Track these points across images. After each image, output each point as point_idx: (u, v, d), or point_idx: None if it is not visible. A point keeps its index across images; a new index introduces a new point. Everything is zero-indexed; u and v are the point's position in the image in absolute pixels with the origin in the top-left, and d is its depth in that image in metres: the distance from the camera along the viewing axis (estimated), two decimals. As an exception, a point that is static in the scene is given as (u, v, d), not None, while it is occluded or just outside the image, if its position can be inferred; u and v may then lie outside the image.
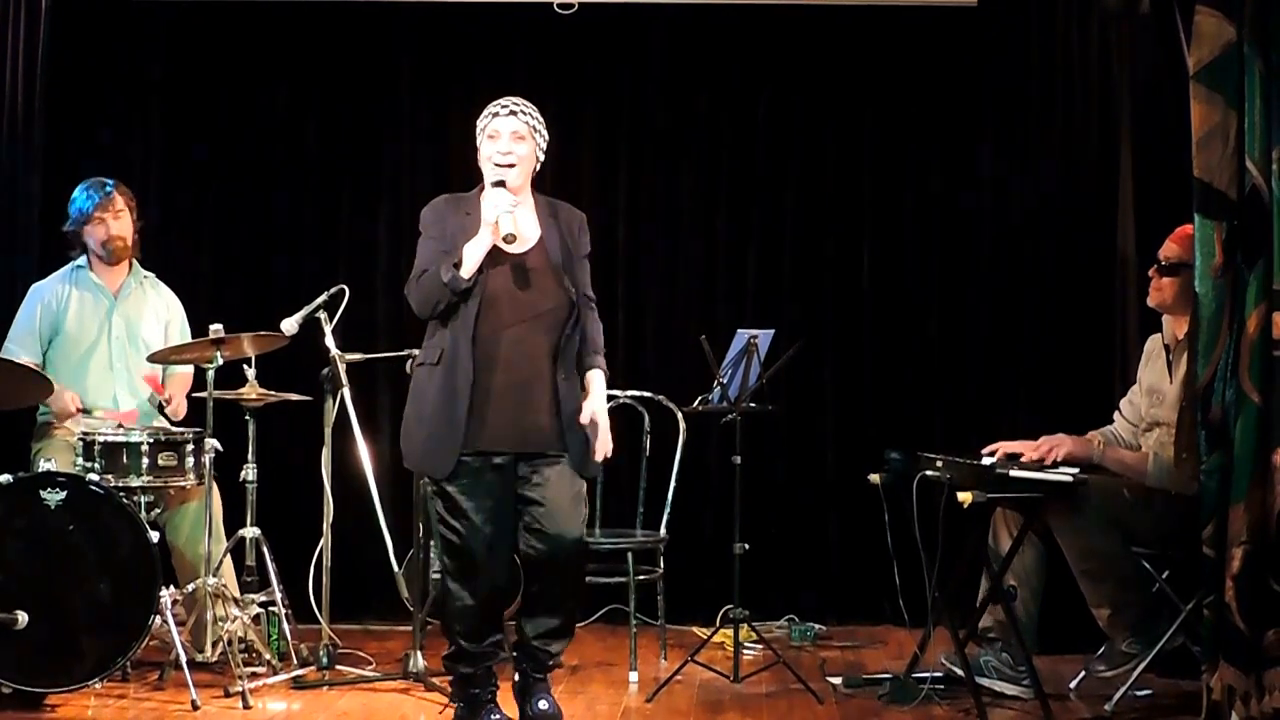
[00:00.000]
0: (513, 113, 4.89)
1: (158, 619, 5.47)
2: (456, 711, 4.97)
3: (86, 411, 5.98)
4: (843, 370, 7.18)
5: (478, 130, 4.96)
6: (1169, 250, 5.53)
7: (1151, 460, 5.41)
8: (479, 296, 4.78)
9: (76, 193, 6.13)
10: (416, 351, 5.75)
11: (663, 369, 6.92)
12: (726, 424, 5.90)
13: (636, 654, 5.94)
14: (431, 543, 5.05)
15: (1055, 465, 5.37)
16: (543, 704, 4.92)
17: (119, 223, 6.12)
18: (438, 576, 6.12)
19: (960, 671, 5.41)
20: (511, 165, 4.87)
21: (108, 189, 6.11)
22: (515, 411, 4.81)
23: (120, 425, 5.95)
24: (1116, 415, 5.75)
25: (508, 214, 4.77)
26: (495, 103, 4.95)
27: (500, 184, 4.84)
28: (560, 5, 7.01)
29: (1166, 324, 5.60)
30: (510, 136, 4.88)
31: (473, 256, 4.77)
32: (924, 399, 7.12)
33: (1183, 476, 5.18)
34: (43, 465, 5.51)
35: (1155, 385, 5.58)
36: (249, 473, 5.87)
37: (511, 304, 4.82)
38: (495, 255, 4.80)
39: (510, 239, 4.76)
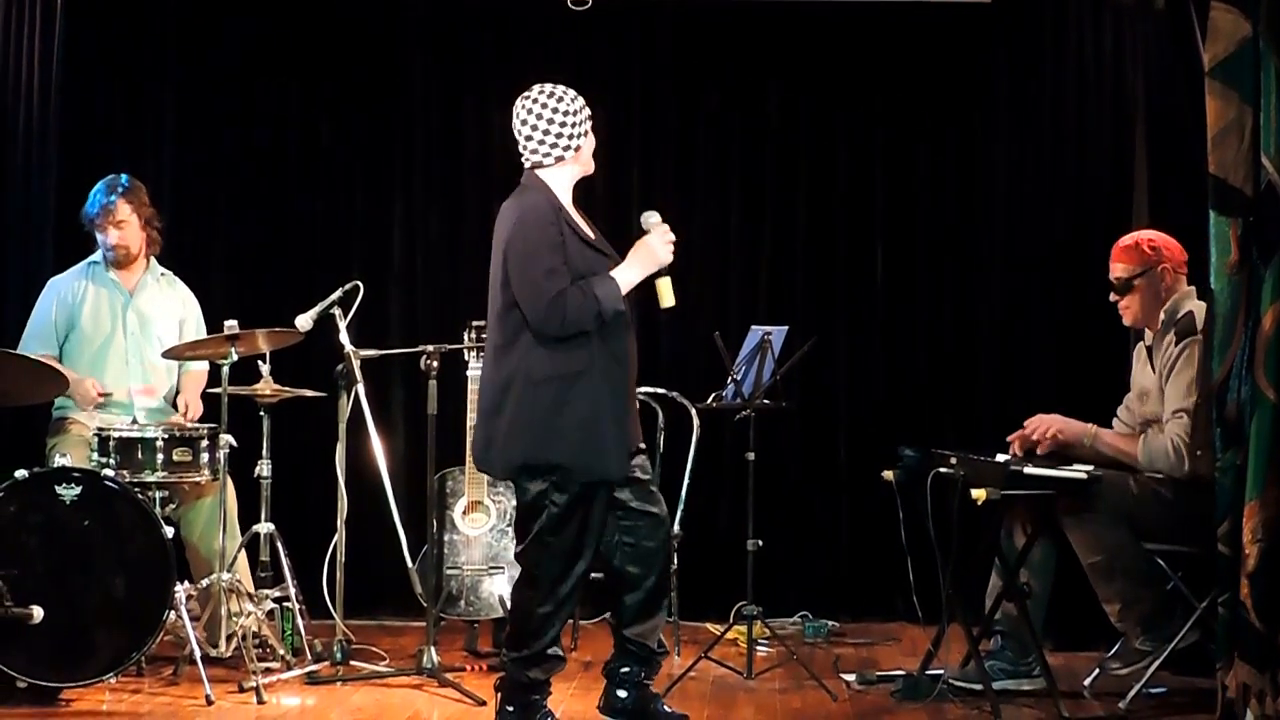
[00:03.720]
0: None
1: (172, 614, 5.48)
2: (505, 715, 4.91)
3: (107, 395, 5.98)
4: (856, 366, 7.18)
5: (579, 119, 4.86)
6: (1116, 270, 5.62)
7: (1141, 444, 5.43)
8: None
9: (91, 194, 6.12)
10: (430, 347, 5.80)
11: (676, 365, 6.92)
12: (740, 420, 5.90)
13: (650, 650, 5.95)
14: (516, 546, 5.00)
15: (1064, 459, 5.40)
16: (667, 708, 5.03)
17: (120, 233, 6.09)
18: (453, 572, 6.19)
19: (966, 685, 5.42)
20: None
21: (112, 198, 6.07)
22: (635, 408, 4.94)
23: (135, 421, 5.97)
24: (1115, 420, 5.78)
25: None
26: (578, 95, 4.88)
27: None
28: (573, 2, 7.01)
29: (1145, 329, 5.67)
30: None
31: (629, 287, 4.80)
32: (937, 396, 7.12)
33: (1174, 460, 5.26)
34: (58, 460, 5.53)
35: (1144, 386, 5.61)
36: (263, 468, 5.87)
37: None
38: (602, 257, 4.85)
39: (667, 270, 4.86)
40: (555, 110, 4.82)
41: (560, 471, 4.74)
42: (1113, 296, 5.63)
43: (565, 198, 4.90)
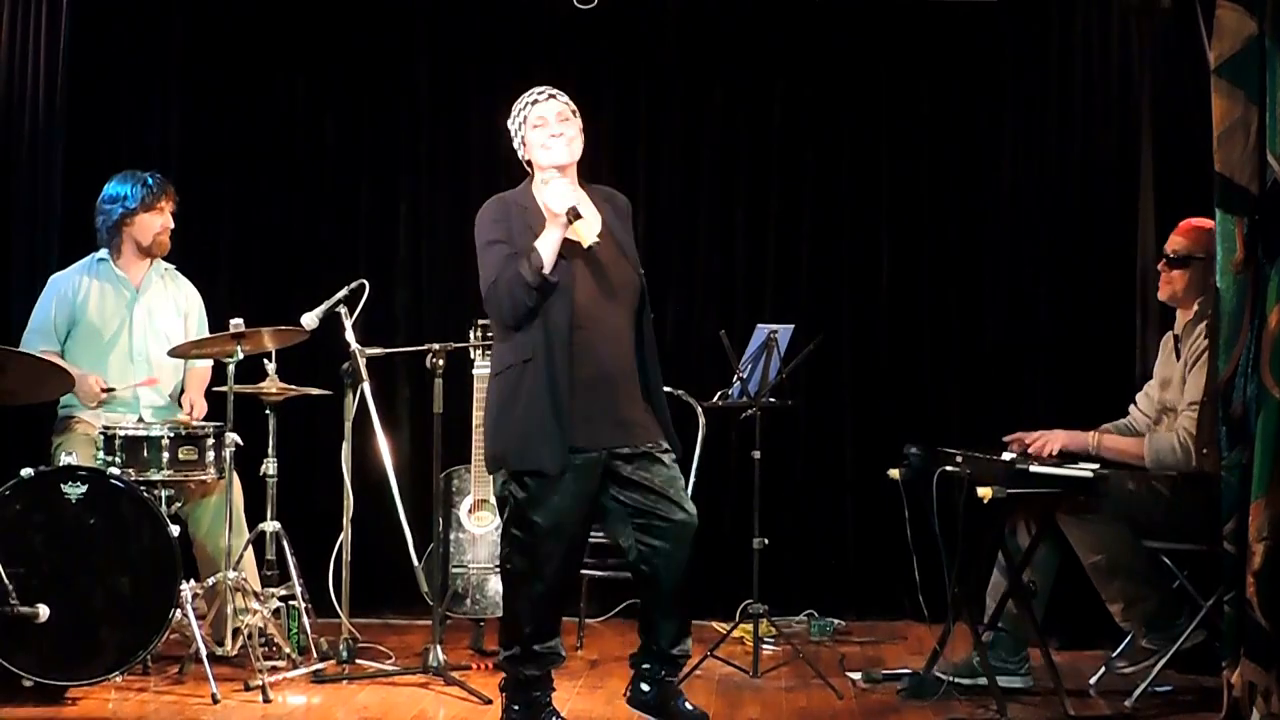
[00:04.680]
0: (551, 96, 4.90)
1: (178, 612, 5.48)
2: (510, 714, 4.92)
3: (110, 391, 5.98)
4: (862, 365, 7.18)
5: (518, 123, 4.88)
6: (1176, 244, 5.57)
7: (1147, 444, 5.42)
8: (564, 291, 4.72)
9: (121, 185, 6.08)
10: (436, 346, 5.80)
11: (682, 364, 6.91)
12: (746, 419, 5.91)
13: (655, 648, 5.94)
14: (498, 541, 5.00)
15: (1070, 457, 5.40)
16: (689, 704, 5.00)
17: (172, 216, 6.13)
18: (458, 570, 6.19)
19: (962, 681, 5.42)
20: (563, 139, 4.87)
21: (164, 183, 6.11)
22: (609, 406, 4.78)
23: (141, 420, 5.98)
24: (1132, 408, 5.77)
25: (573, 198, 4.75)
26: (529, 94, 4.90)
27: (557, 173, 4.84)
28: (580, 0, 7.01)
29: (1178, 315, 5.63)
30: (556, 118, 4.88)
31: (548, 250, 4.71)
32: (943, 394, 7.12)
33: (1181, 455, 5.26)
34: (63, 459, 5.53)
35: (1166, 375, 5.60)
36: (269, 467, 5.88)
37: (594, 295, 4.78)
38: (572, 248, 4.75)
39: (574, 215, 4.71)
40: (508, 122, 4.93)
41: (506, 462, 4.76)
42: (1160, 266, 5.59)
43: (560, 188, 4.85)
